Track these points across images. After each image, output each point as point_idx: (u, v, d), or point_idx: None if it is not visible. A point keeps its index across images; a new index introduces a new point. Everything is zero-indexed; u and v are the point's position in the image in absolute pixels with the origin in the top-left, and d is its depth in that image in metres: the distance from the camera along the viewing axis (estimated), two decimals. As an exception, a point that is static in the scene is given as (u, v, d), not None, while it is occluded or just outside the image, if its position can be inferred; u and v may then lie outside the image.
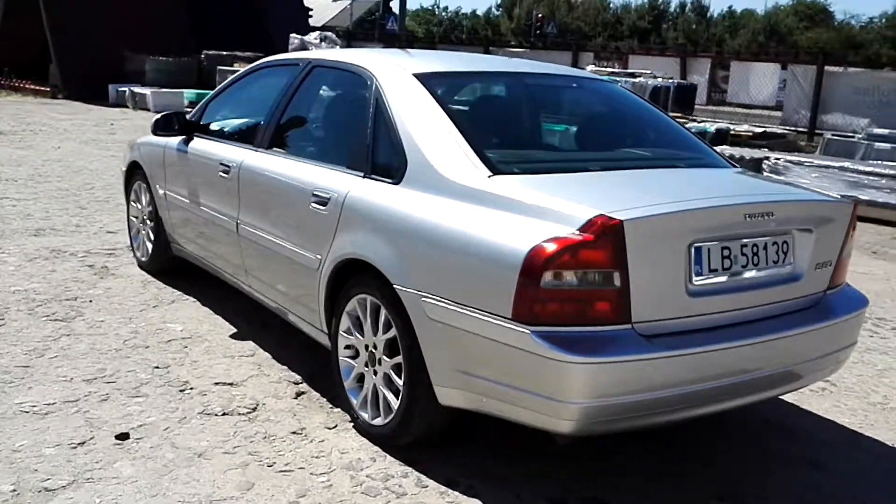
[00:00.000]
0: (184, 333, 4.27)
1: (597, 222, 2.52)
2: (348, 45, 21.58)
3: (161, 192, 4.90)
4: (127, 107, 18.22)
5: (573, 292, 2.55)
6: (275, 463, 3.03)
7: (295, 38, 20.90)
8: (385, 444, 3.18)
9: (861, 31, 43.42)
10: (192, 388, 3.61)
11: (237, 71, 17.24)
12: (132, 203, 5.43)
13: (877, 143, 13.82)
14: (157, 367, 3.81)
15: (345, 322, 3.34)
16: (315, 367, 3.90)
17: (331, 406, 3.54)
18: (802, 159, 11.09)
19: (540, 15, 45.60)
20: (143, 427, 3.23)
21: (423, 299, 2.85)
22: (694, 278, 2.73)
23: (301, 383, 3.75)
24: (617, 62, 21.25)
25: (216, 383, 3.69)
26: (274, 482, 2.89)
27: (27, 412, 3.29)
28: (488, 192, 2.82)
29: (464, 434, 3.26)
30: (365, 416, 3.26)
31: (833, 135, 14.27)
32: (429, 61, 3.64)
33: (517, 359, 2.59)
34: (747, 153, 11.27)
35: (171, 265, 5.16)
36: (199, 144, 4.52)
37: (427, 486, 2.93)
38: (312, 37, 21.38)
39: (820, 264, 3.09)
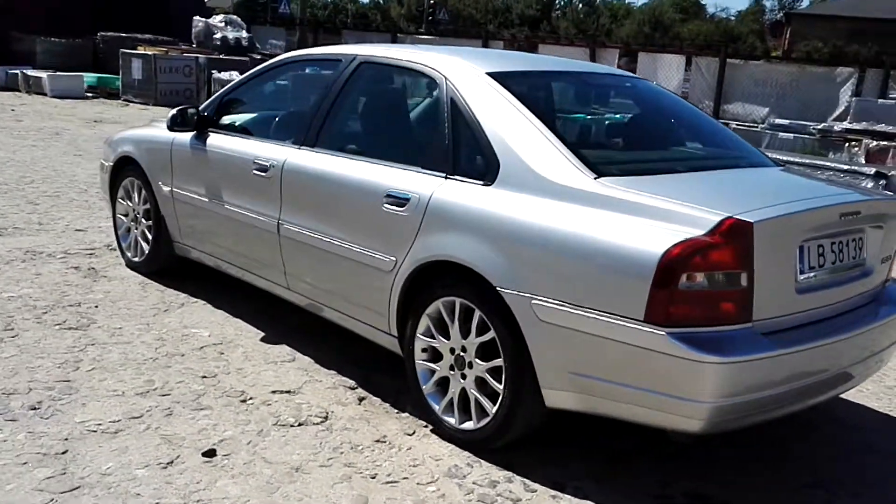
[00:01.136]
0: (213, 339, 4.09)
1: (728, 224, 2.57)
2: (247, 29, 20.96)
3: (166, 189, 4.66)
4: (19, 91, 17.15)
5: (704, 294, 2.59)
6: (376, 474, 2.96)
7: (199, 22, 20.22)
8: (476, 449, 3.15)
9: (736, 24, 45.49)
10: (252, 399, 3.47)
11: (143, 54, 16.54)
12: (119, 201, 5.14)
13: (780, 133, 14.59)
14: (205, 377, 3.64)
15: (423, 325, 3.28)
16: (364, 370, 3.84)
17: (397, 411, 3.48)
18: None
19: (433, 1, 45.61)
20: (224, 442, 3.09)
21: (535, 302, 2.83)
22: (799, 276, 2.82)
23: (357, 388, 3.67)
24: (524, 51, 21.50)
25: (273, 392, 3.56)
26: (387, 494, 2.83)
27: (95, 431, 3.09)
28: (601, 194, 2.83)
29: (549, 436, 3.25)
30: (451, 420, 3.22)
31: (737, 124, 14.96)
32: (492, 60, 3.59)
33: (647, 360, 2.61)
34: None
35: (169, 266, 4.92)
36: (219, 141, 4.32)
37: (536, 491, 2.93)
38: (217, 20, 20.72)
39: (884, 259, 3.25)
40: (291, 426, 3.26)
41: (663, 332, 2.56)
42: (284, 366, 3.84)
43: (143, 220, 4.99)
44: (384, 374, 3.78)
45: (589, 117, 3.72)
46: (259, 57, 19.20)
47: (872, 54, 19.40)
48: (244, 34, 20.42)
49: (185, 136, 4.50)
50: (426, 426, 3.36)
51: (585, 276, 2.75)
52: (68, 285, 4.73)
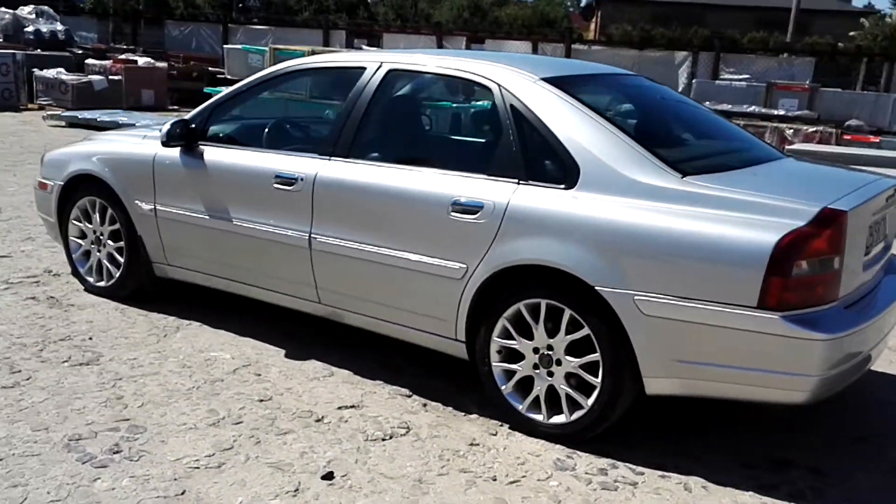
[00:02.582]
0: (239, 361, 3.97)
1: (826, 214, 2.87)
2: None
3: (146, 207, 4.42)
4: None
5: (809, 278, 2.87)
6: (495, 476, 3.04)
7: (5, 14, 18.62)
8: (568, 442, 3.29)
9: (551, 8, 47.37)
10: (324, 417, 3.43)
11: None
12: (73, 223, 4.80)
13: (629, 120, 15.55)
14: (263, 401, 3.55)
15: (499, 328, 3.37)
16: (408, 377, 3.86)
17: (463, 413, 3.56)
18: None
19: (244, -14, 44.31)
20: (333, 463, 3.06)
21: (637, 297, 3.01)
22: (864, 256, 3.18)
23: (412, 395, 3.70)
24: (370, 41, 21.48)
25: (339, 408, 3.53)
26: (519, 494, 2.92)
27: (198, 467, 2.96)
28: (693, 192, 3.04)
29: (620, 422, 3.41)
30: (538, 417, 3.34)
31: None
32: (536, 66, 3.69)
33: (759, 342, 2.86)
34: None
35: (142, 289, 4.67)
36: (220, 155, 4.16)
37: (644, 473, 3.12)
38: (26, 11, 19.17)
39: (893, 234, 3.68)
40: (384, 440, 3.26)
41: (777, 316, 2.81)
42: (329, 381, 3.80)
43: (109, 242, 4.69)
44: (432, 379, 3.83)
45: (642, 117, 3.89)
46: (80, 52, 18.01)
47: (701, 39, 20.84)
48: (59, 26, 19.07)
49: (171, 151, 4.29)
50: (502, 425, 3.45)
51: (691, 269, 2.95)
52: (41, 318, 4.39)
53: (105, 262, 4.73)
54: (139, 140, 4.56)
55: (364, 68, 3.88)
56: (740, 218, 2.92)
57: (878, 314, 3.16)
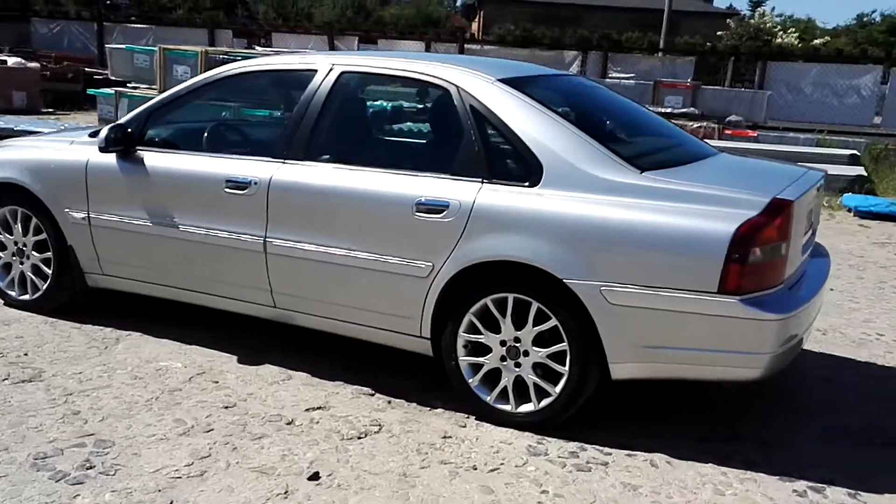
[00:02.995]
0: (192, 370, 3.89)
1: (775, 204, 3.09)
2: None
3: (78, 216, 4.26)
4: None
5: (762, 264, 3.09)
6: (475, 466, 3.12)
7: None
8: (535, 428, 3.40)
9: (434, 8, 47.50)
10: (294, 420, 3.42)
11: None
12: (-10, 234, 4.59)
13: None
14: (227, 407, 3.51)
15: (465, 323, 3.46)
16: (366, 376, 3.89)
17: (429, 408, 3.61)
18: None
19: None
20: (315, 464, 3.07)
21: (604, 288, 3.16)
22: (802, 239, 3.43)
23: (375, 394, 3.73)
24: (257, 40, 21.06)
25: (307, 410, 3.53)
26: (502, 480, 3.01)
27: (180, 477, 2.92)
28: (653, 186, 3.21)
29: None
30: (506, 407, 3.44)
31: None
32: (489, 68, 3.78)
33: (718, 325, 3.06)
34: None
35: (73, 301, 4.50)
36: (164, 160, 4.06)
37: (611, 454, 3.27)
38: None
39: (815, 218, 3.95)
40: (359, 438, 3.29)
41: (735, 300, 3.02)
42: (289, 384, 3.78)
43: (34, 254, 4.50)
44: (392, 377, 3.87)
45: (591, 115, 4.01)
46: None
47: (595, 38, 21.43)
48: None
49: (106, 157, 4.16)
50: (468, 417, 3.53)
51: (655, 260, 3.11)
52: (-37, 336, 4.17)
53: (29, 274, 4.53)
54: (66, 146, 4.40)
55: (314, 70, 3.87)
56: (699, 210, 3.10)
57: (814, 295, 3.42)
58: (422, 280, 3.46)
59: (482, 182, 3.39)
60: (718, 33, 33.96)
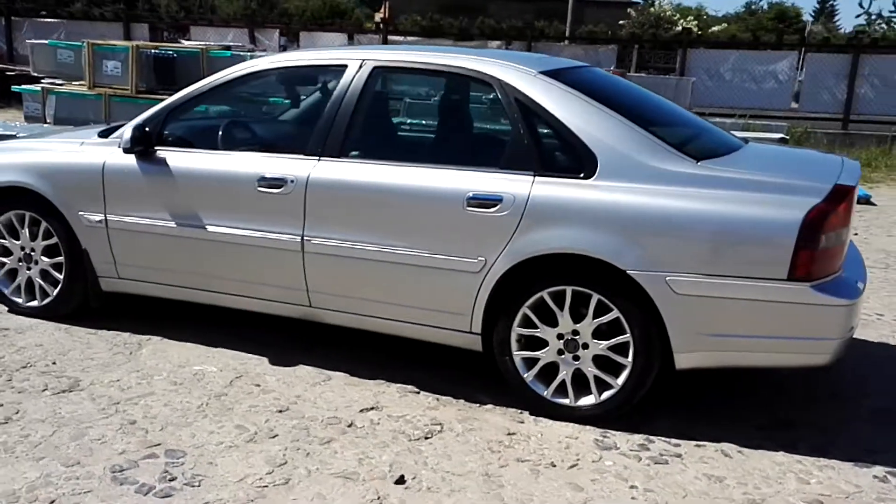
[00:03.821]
0: (229, 373, 3.80)
1: (839, 190, 3.17)
2: None
3: (94, 218, 4.10)
4: None
5: (828, 250, 3.17)
6: (553, 463, 3.12)
7: None
8: (595, 422, 3.43)
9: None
10: (354, 423, 3.37)
11: None
12: (-8, 239, 4.38)
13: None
14: (281, 411, 3.44)
15: (520, 317, 3.46)
16: (406, 372, 3.86)
17: (478, 404, 3.61)
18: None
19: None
20: (395, 467, 3.03)
21: (669, 278, 3.20)
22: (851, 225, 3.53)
23: (420, 392, 3.71)
24: (173, 33, 20.46)
25: (362, 411, 3.48)
26: (588, 476, 3.03)
27: (267, 486, 2.85)
28: (712, 175, 3.26)
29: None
30: (564, 401, 3.46)
31: (410, 100, 16.01)
32: (527, 60, 3.76)
33: (789, 311, 3.13)
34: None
35: (84, 306, 4.33)
36: (188, 160, 3.93)
37: (680, 445, 3.32)
38: None
39: None
40: (426, 438, 3.27)
41: (806, 286, 3.09)
42: (331, 385, 3.73)
43: (43, 259, 4.31)
44: (429, 373, 3.86)
45: (627, 106, 3.97)
46: None
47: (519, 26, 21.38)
48: None
49: (125, 158, 4.01)
50: (521, 412, 3.54)
51: (721, 248, 3.17)
52: (-20, 346, 3.97)
53: (38, 279, 4.34)
54: (76, 147, 4.22)
55: (343, 66, 3.80)
56: (763, 198, 3.16)
57: (866, 280, 3.51)
58: (474, 275, 3.44)
59: (534, 175, 3.38)
60: (620, 22, 34.56)
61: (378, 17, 23.84)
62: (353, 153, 3.68)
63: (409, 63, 3.83)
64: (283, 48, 18.60)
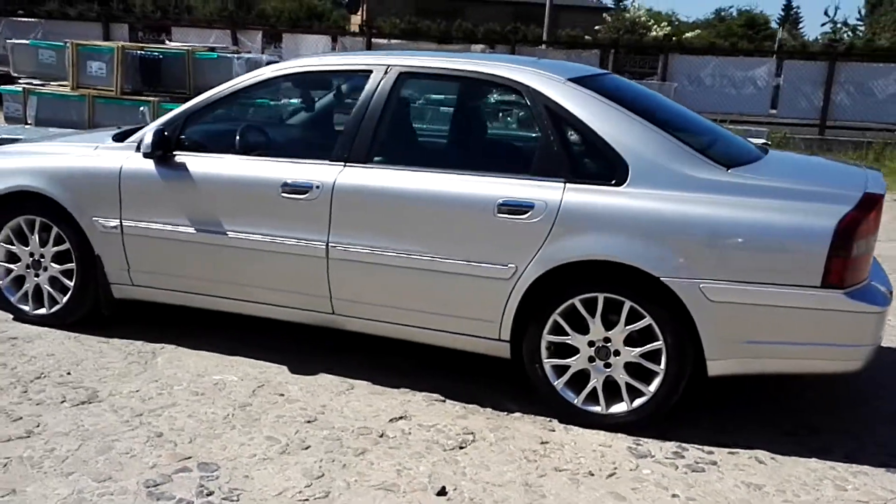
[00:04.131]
0: (251, 382, 3.74)
1: (869, 198, 3.19)
2: None
3: (109, 224, 4.01)
4: None
5: (859, 258, 3.18)
6: (591, 472, 3.10)
7: None
8: (627, 429, 3.41)
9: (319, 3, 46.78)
10: (385, 432, 3.33)
11: None
12: (0, 245, 4.28)
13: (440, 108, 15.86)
14: (310, 422, 3.38)
15: (550, 324, 3.43)
16: (425, 380, 3.83)
17: (505, 413, 3.58)
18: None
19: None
20: (433, 478, 2.99)
21: (703, 285, 3.19)
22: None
23: (446, 400, 3.67)
24: (151, 33, 20.21)
25: (390, 420, 3.44)
26: (628, 486, 3.01)
27: (307, 499, 2.79)
28: (743, 183, 3.26)
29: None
30: (595, 409, 3.44)
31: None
32: (550, 67, 3.74)
33: (823, 318, 3.14)
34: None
35: (94, 313, 4.25)
36: (208, 164, 3.86)
37: (713, 452, 3.31)
38: None
39: None
40: (461, 448, 3.23)
41: (840, 294, 3.10)
42: (356, 394, 3.68)
43: (53, 265, 4.21)
44: (451, 381, 3.83)
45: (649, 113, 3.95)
46: None
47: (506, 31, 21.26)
48: None
49: (143, 163, 3.94)
50: (551, 420, 3.52)
51: (754, 255, 3.16)
52: (-10, 356, 3.87)
53: (46, 286, 4.24)
54: (91, 151, 4.14)
55: (368, 71, 3.76)
56: (794, 205, 3.17)
57: (892, 287, 3.53)
58: (504, 282, 3.41)
59: (564, 182, 3.36)
60: (596, 28, 34.79)
61: (356, 20, 23.78)
62: (380, 159, 3.64)
63: (436, 69, 3.79)
64: (275, 53, 18.44)
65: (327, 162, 3.68)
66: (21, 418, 3.25)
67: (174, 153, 3.91)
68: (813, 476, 3.15)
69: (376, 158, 3.64)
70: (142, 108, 10.53)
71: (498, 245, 3.41)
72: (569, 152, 3.42)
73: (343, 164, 3.65)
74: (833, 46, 18.71)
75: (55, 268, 4.20)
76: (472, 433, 3.35)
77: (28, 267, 4.27)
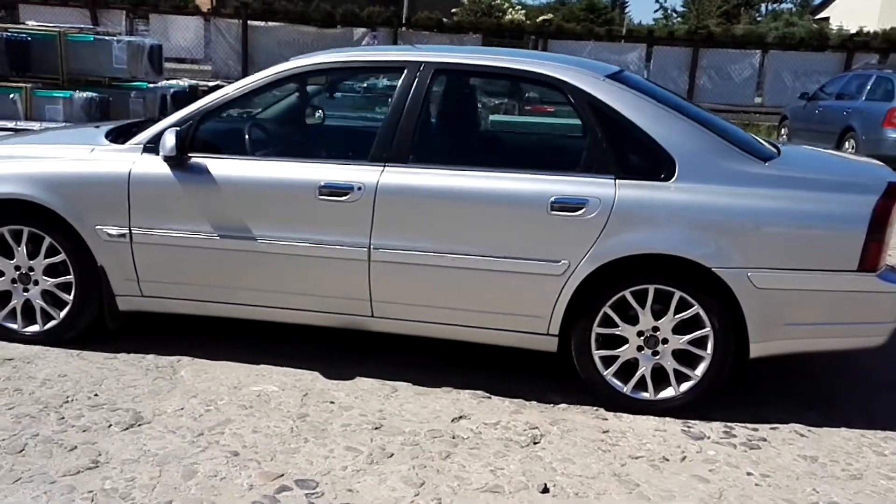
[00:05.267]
0: (294, 392, 3.64)
1: (893, 186, 3.48)
2: None
3: (115, 232, 3.78)
4: None
5: (887, 243, 3.48)
6: (665, 457, 3.24)
7: None
8: (674, 413, 3.59)
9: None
10: (456, 433, 3.35)
11: None
12: (-20, 259, 3.95)
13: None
14: (377, 428, 3.35)
15: (600, 317, 3.56)
16: (463, 378, 3.87)
17: (551, 405, 3.68)
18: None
19: None
20: (528, 475, 3.05)
21: (750, 273, 3.40)
22: None
23: (492, 397, 3.71)
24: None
25: (453, 420, 3.46)
26: (705, 468, 3.17)
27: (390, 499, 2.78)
28: (780, 175, 3.48)
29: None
30: (644, 395, 3.60)
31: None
32: (584, 65, 3.81)
33: (857, 299, 3.42)
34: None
35: (95, 327, 4.01)
36: (233, 167, 3.70)
37: (758, 429, 3.53)
38: None
39: None
40: (534, 444, 3.29)
41: (874, 276, 3.38)
42: (403, 396, 3.67)
43: (44, 279, 3.93)
44: (485, 377, 3.89)
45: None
46: None
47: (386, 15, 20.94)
48: None
49: (156, 166, 3.73)
50: (598, 409, 3.64)
51: (796, 243, 3.39)
52: (7, 381, 3.59)
53: (39, 301, 3.95)
54: (87, 154, 3.87)
55: (401, 68, 3.71)
56: (830, 196, 3.42)
57: None
58: (556, 278, 3.49)
59: (615, 178, 3.47)
60: (453, 10, 35.19)
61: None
62: (423, 159, 3.61)
63: (471, 66, 3.79)
64: (142, 34, 17.50)
65: (366, 162, 3.62)
66: (76, 447, 3.04)
67: (189, 155, 3.72)
68: (851, 445, 3.42)
69: (418, 158, 3.61)
70: (12, 96, 9.78)
71: (551, 242, 3.48)
72: (616, 149, 3.52)
73: (383, 164, 3.60)
74: (698, 33, 19.73)
75: (48, 281, 3.91)
76: (535, 427, 3.41)
77: (14, 282, 3.95)
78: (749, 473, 3.13)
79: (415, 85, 3.67)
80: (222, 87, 13.14)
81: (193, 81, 14.21)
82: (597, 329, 3.55)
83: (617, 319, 3.53)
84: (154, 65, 13.27)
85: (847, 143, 12.21)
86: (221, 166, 3.69)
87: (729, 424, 3.53)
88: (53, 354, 3.88)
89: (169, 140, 3.59)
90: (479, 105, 4.10)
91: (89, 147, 3.90)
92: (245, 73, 17.60)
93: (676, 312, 3.49)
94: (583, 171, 3.52)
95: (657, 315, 3.51)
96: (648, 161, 3.50)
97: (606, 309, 3.52)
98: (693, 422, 3.53)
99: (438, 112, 3.78)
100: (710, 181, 3.45)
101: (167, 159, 3.65)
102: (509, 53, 3.98)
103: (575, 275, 3.47)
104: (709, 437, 3.41)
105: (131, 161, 3.75)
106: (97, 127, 4.56)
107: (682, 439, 3.38)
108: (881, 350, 3.66)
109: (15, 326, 3.98)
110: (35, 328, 3.97)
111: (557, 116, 4.09)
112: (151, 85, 12.20)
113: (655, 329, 3.53)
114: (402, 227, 3.58)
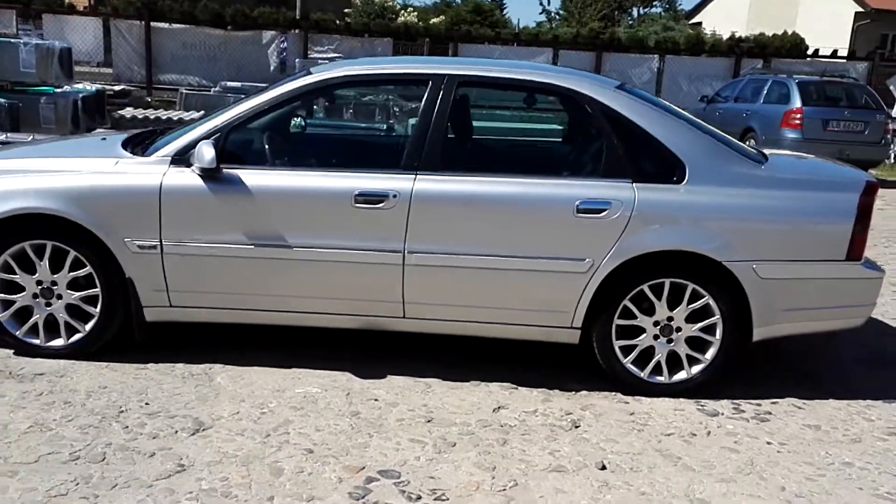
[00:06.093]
0: (336, 393, 3.79)
1: (871, 184, 3.94)
2: None
3: (146, 244, 3.84)
4: None
5: (866, 234, 3.94)
6: (693, 433, 3.59)
7: None
8: (686, 394, 3.95)
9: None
10: (502, 422, 3.59)
11: None
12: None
13: (230, 95, 15.50)
14: (429, 422, 3.55)
15: (621, 309, 3.89)
16: (484, 371, 4.12)
17: (573, 392, 3.97)
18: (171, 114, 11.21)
19: None
20: (583, 454, 3.33)
21: (755, 265, 3.80)
22: None
23: (518, 387, 3.98)
24: None
25: (494, 410, 3.71)
26: (731, 440, 3.53)
27: (503, 489, 3.02)
28: (781, 176, 3.92)
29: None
30: (660, 379, 3.95)
31: (188, 89, 15.22)
32: (589, 77, 4.12)
33: (845, 285, 3.87)
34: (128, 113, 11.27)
35: (116, 340, 4.06)
36: (268, 178, 3.82)
37: (761, 404, 3.93)
38: None
39: None
40: (576, 428, 3.57)
41: (859, 264, 3.84)
42: (439, 391, 3.88)
43: (68, 293, 3.95)
44: (509, 370, 4.16)
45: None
46: None
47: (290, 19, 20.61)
48: None
49: (188, 178, 3.82)
50: (615, 393, 3.97)
51: (795, 236, 3.81)
52: (39, 397, 3.60)
53: (63, 315, 3.96)
54: (111, 167, 3.90)
55: (426, 80, 3.93)
56: (820, 194, 3.86)
57: None
58: (581, 275, 3.79)
59: (632, 182, 3.80)
60: (345, 11, 35.15)
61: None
62: (453, 167, 3.83)
63: (492, 78, 4.04)
64: (35, 34, 16.80)
65: (399, 171, 3.81)
66: (154, 453, 3.12)
67: (221, 166, 3.82)
68: (843, 413, 3.87)
69: (447, 166, 3.83)
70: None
71: (576, 242, 3.77)
72: (631, 155, 3.85)
73: (415, 172, 3.80)
74: (601, 38, 20.49)
75: (72, 295, 3.92)
76: (570, 413, 3.70)
77: (36, 296, 3.94)
78: (769, 443, 3.51)
79: (441, 96, 3.89)
80: (128, 91, 12.81)
81: (98, 85, 13.83)
82: (617, 321, 3.86)
83: (636, 311, 3.85)
84: (64, 68, 12.87)
85: (747, 142, 13.06)
86: (256, 177, 3.81)
87: (735, 401, 3.91)
88: (83, 368, 3.89)
89: (207, 153, 3.68)
90: (500, 114, 4.35)
91: (113, 159, 3.93)
92: (150, 77, 17.20)
93: (689, 303, 3.83)
94: (602, 176, 3.83)
95: (671, 306, 3.85)
96: (661, 166, 3.84)
97: (626, 302, 3.84)
98: (704, 401, 3.89)
99: (464, 122, 4.01)
100: (716, 183, 3.81)
101: (203, 171, 3.73)
102: (521, 66, 4.25)
103: (599, 272, 3.77)
104: (722, 414, 3.78)
105: (160, 173, 3.82)
106: (103, 139, 4.55)
107: (700, 416, 3.73)
108: (848, 331, 4.15)
109: (37, 342, 3.97)
110: (59, 342, 3.97)
111: (546, 122, 4.35)
112: (58, 90, 11.85)
113: (670, 319, 3.87)
114: (435, 232, 3.79)
